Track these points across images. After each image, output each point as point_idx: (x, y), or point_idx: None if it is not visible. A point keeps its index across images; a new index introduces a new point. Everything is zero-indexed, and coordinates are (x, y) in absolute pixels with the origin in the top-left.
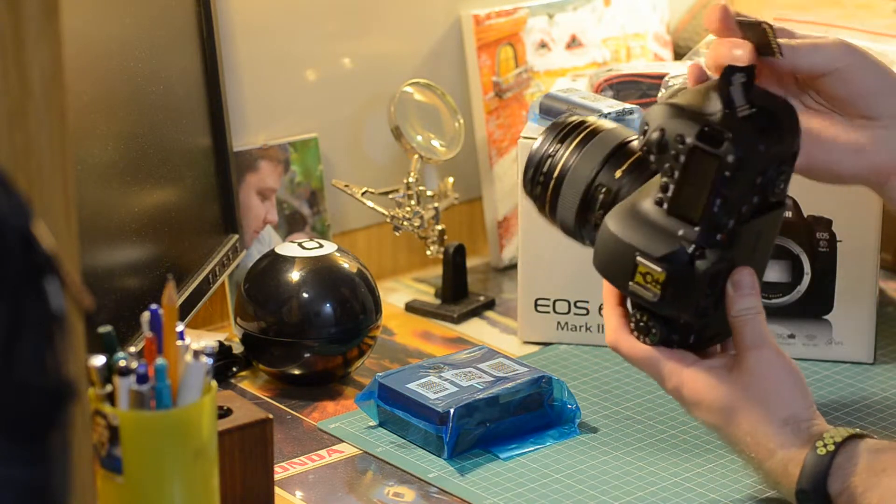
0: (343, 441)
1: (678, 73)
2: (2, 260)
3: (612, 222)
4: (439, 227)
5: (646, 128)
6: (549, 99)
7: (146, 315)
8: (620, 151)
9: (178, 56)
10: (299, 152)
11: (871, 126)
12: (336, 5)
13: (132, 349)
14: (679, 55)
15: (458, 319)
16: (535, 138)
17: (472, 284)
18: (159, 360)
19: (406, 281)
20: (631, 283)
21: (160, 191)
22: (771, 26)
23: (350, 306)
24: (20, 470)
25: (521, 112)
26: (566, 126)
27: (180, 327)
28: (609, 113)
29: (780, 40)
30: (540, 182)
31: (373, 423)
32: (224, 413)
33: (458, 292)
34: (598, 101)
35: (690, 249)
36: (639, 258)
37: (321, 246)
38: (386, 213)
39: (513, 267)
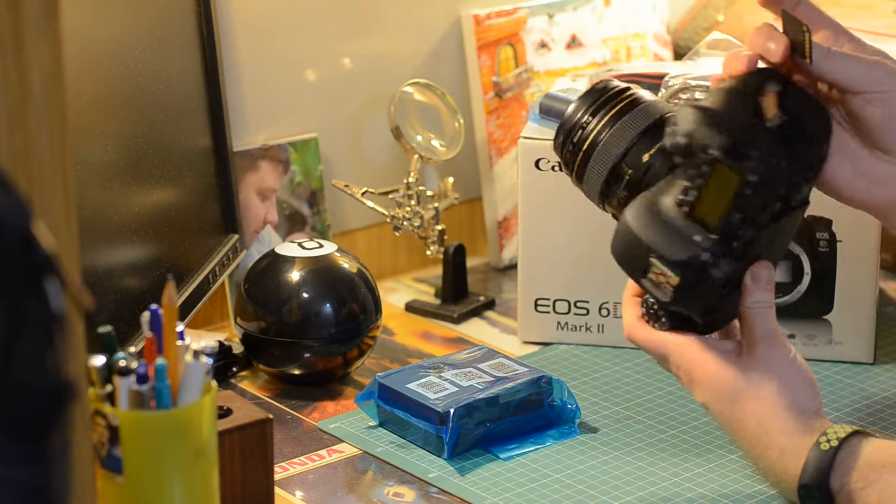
0: (343, 441)
1: (678, 73)
2: (2, 260)
3: (632, 216)
4: (439, 227)
5: (674, 127)
6: (549, 99)
7: (146, 315)
8: (651, 131)
9: (178, 56)
10: (299, 152)
11: (889, 161)
12: (336, 5)
13: (132, 349)
14: (679, 55)
15: (458, 319)
16: (535, 138)
17: (472, 284)
18: (159, 360)
19: (406, 281)
20: (643, 279)
21: (160, 191)
22: (810, 31)
23: (350, 306)
24: (20, 470)
25: (521, 112)
26: (603, 96)
27: (180, 327)
28: None
29: (820, 43)
30: (569, 150)
31: (373, 423)
32: (224, 413)
33: (458, 292)
34: None
35: (705, 258)
36: (653, 259)
37: (321, 246)
38: (386, 213)
39: (513, 267)
